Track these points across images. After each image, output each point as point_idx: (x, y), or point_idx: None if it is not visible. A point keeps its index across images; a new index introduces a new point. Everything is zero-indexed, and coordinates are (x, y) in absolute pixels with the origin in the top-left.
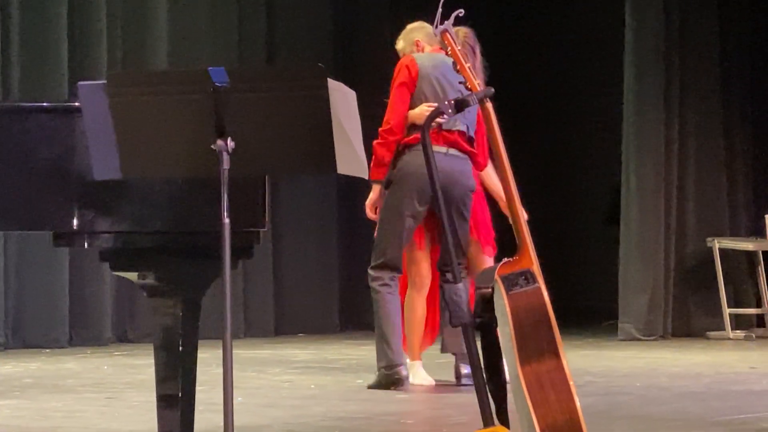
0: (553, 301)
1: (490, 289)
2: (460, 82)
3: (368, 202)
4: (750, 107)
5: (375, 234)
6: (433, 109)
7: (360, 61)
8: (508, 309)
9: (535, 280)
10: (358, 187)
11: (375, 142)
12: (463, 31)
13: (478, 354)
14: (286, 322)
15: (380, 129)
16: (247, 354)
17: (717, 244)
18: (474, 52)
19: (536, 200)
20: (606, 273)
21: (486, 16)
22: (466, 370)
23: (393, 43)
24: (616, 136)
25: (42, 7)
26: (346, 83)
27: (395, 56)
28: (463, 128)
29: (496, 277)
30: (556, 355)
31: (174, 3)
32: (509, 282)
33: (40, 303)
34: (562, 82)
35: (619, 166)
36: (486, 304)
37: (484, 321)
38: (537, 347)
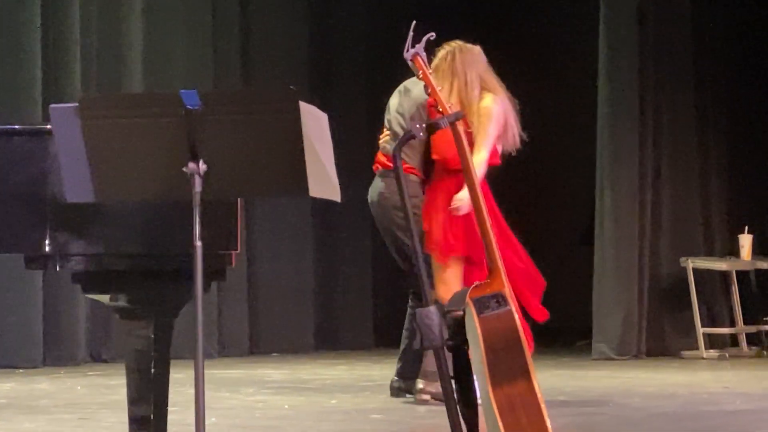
0: (522, 319)
1: (461, 312)
2: (431, 106)
3: None
4: (725, 128)
5: None
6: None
7: (336, 84)
8: (479, 332)
9: (506, 303)
10: (332, 209)
11: None
12: (453, 44)
13: (449, 376)
14: (260, 342)
15: None
16: (221, 374)
17: (691, 264)
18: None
19: (510, 220)
20: (580, 293)
21: (456, 37)
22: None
23: (368, 64)
24: (591, 156)
25: (15, 28)
26: (321, 106)
27: (371, 78)
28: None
29: (468, 300)
30: (528, 377)
31: (149, 24)
32: (481, 305)
33: (14, 322)
34: (537, 101)
35: (594, 186)
36: (457, 326)
37: (455, 344)
38: (508, 370)
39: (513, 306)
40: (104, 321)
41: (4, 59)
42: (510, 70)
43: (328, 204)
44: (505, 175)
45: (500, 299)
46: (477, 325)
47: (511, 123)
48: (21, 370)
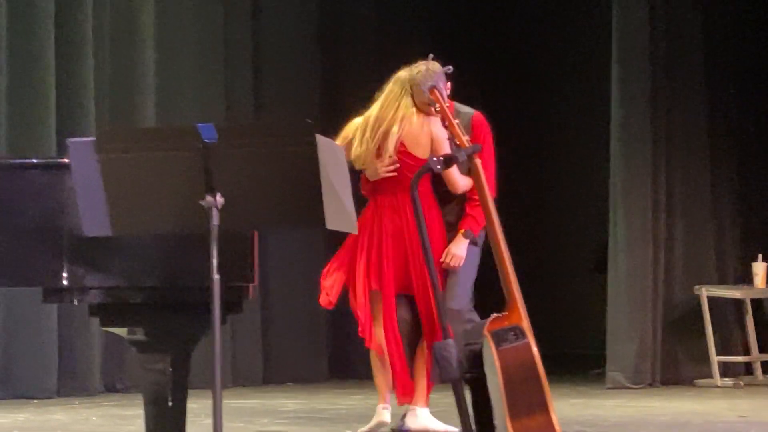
0: (541, 349)
1: (479, 345)
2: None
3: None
4: (738, 156)
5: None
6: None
7: (348, 117)
8: (497, 364)
9: (524, 336)
10: (345, 238)
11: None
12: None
13: (467, 410)
14: (274, 371)
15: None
16: (236, 404)
17: (705, 292)
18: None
19: (525, 249)
20: (594, 321)
21: (471, 68)
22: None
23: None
24: (604, 184)
25: (30, 62)
26: (334, 139)
27: None
28: None
29: (486, 332)
30: (546, 410)
31: (161, 56)
32: (499, 337)
33: (29, 353)
34: (550, 130)
35: (607, 215)
36: (475, 359)
37: (474, 377)
38: (527, 402)
39: (531, 338)
40: (118, 351)
41: (18, 93)
42: (523, 98)
43: (340, 233)
44: (519, 204)
45: (518, 332)
46: (495, 357)
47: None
48: (35, 401)
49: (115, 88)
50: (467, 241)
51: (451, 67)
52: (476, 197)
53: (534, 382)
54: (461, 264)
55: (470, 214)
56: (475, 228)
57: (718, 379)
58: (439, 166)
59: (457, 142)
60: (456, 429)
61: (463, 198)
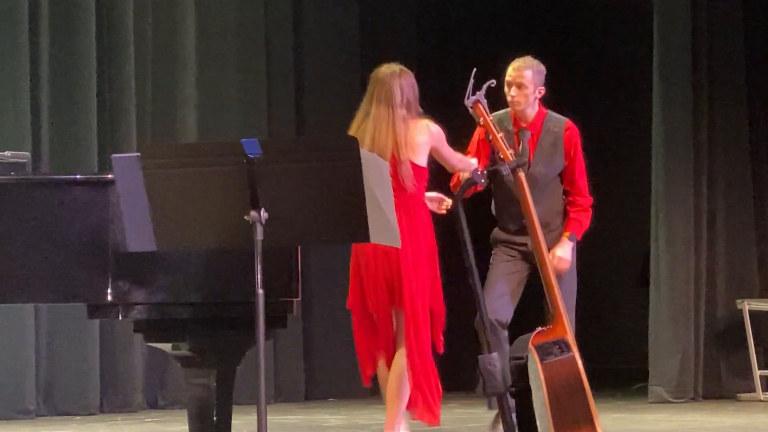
0: (583, 363)
1: (524, 359)
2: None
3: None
4: None
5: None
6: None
7: None
8: (542, 378)
9: (569, 349)
10: None
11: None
12: None
13: (513, 423)
14: (316, 387)
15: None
16: (278, 419)
17: (747, 305)
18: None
19: None
20: (636, 335)
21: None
22: None
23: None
24: (646, 198)
25: (71, 78)
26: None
27: None
28: None
29: (531, 346)
30: (591, 423)
31: (203, 73)
32: (543, 351)
33: (71, 369)
34: (592, 143)
35: (649, 228)
36: (520, 373)
37: (518, 390)
38: (572, 416)
39: (576, 352)
40: (160, 367)
41: (59, 109)
42: (562, 107)
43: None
44: None
45: (563, 345)
46: (540, 371)
47: None
48: (78, 417)
49: (157, 103)
50: (572, 244)
51: (494, 81)
52: (579, 201)
53: (579, 396)
54: (568, 267)
55: (574, 218)
56: (579, 232)
57: (760, 393)
58: (483, 180)
59: (501, 156)
60: None
61: (561, 202)
